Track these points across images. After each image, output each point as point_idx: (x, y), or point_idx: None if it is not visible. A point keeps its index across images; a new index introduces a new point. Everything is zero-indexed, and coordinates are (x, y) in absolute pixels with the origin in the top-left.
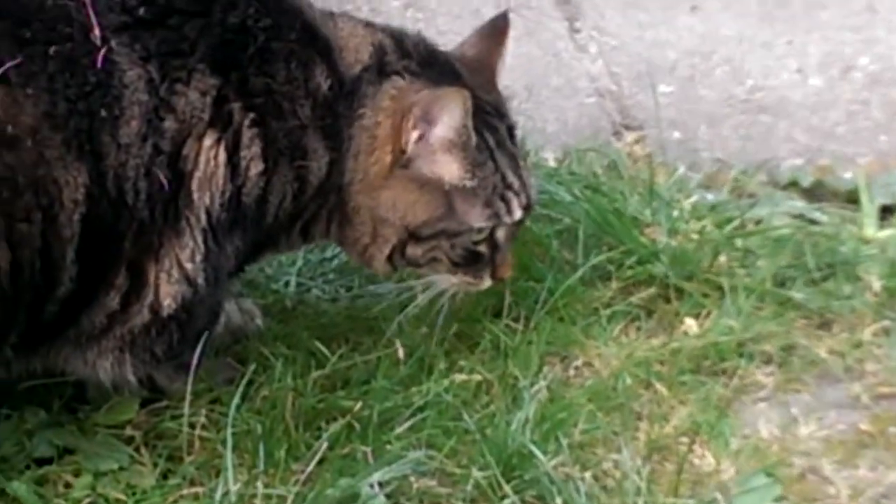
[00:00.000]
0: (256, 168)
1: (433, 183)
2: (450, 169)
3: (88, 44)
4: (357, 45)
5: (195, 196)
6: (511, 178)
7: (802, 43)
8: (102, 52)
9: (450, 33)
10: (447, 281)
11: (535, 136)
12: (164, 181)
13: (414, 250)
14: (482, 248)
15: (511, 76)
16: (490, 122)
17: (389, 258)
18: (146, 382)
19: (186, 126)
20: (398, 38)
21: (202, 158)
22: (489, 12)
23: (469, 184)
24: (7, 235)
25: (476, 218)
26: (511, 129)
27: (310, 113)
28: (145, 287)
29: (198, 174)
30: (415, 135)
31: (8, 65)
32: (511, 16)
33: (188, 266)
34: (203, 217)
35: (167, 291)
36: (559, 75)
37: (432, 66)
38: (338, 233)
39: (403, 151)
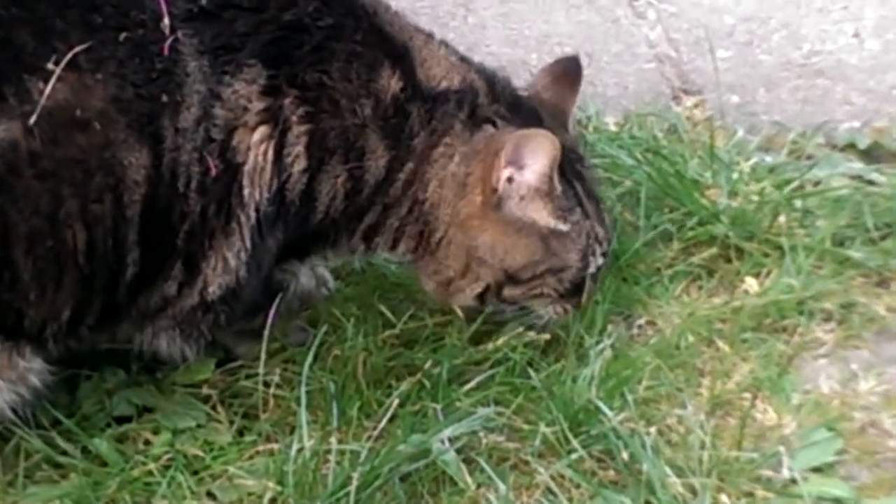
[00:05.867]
0: (300, 165)
1: (529, 226)
2: (540, 215)
3: (158, 31)
4: (446, 68)
5: (246, 192)
6: (598, 228)
7: (858, 7)
8: (170, 40)
9: None
10: (544, 308)
11: (595, 100)
12: (213, 167)
13: (512, 291)
14: (585, 278)
15: (572, 43)
16: (577, 169)
17: (481, 296)
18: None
19: (234, 116)
20: (490, 80)
21: (252, 152)
22: None
23: (563, 227)
24: (82, 216)
25: (574, 258)
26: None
27: (370, 112)
28: (198, 277)
29: (247, 168)
30: (505, 174)
31: (76, 50)
32: None
33: (233, 261)
34: (252, 214)
35: (214, 281)
36: (619, 41)
37: (519, 110)
38: (414, 258)
39: (495, 190)
